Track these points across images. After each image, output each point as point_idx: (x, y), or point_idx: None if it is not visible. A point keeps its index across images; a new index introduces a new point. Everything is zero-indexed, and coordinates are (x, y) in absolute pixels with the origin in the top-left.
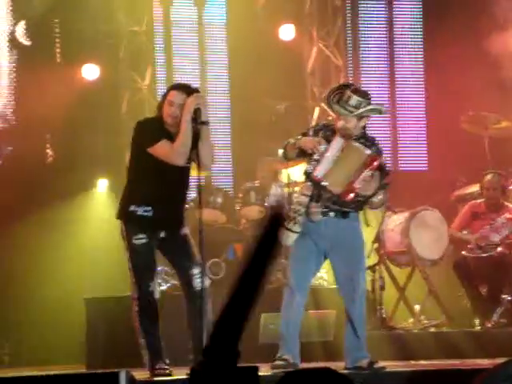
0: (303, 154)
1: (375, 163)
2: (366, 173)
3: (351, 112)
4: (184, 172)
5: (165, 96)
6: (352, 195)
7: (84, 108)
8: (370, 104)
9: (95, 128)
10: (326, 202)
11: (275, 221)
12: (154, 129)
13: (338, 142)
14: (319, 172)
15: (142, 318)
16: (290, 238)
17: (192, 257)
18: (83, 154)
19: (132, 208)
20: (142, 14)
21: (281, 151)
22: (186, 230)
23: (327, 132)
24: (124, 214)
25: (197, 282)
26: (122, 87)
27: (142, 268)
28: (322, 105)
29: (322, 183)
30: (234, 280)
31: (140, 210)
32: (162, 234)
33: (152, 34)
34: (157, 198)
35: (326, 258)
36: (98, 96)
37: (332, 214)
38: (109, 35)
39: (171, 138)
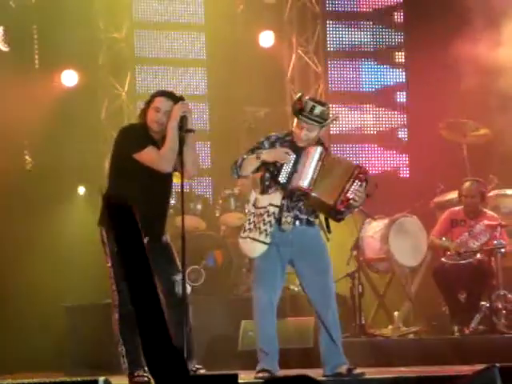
0: (260, 167)
1: (365, 174)
2: (357, 183)
3: (319, 122)
4: (167, 179)
5: (149, 102)
6: (345, 205)
7: (62, 114)
8: (329, 113)
9: (74, 134)
10: (296, 211)
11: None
12: (139, 135)
13: (316, 152)
14: (304, 182)
15: (121, 325)
16: (259, 250)
17: (173, 263)
18: (62, 160)
19: None
20: (121, 21)
21: (234, 169)
22: (167, 237)
23: (284, 143)
24: (107, 221)
25: (179, 289)
26: (101, 94)
27: (123, 275)
28: None
29: (313, 194)
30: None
31: None
32: (144, 241)
33: (132, 41)
34: (140, 203)
35: (290, 265)
36: (77, 102)
37: (298, 222)
38: (88, 41)
39: (156, 144)
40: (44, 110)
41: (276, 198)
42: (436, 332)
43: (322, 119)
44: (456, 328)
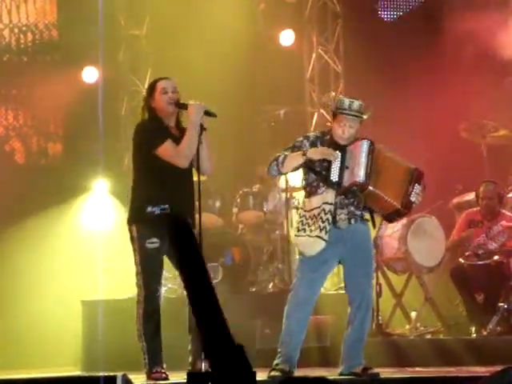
0: (301, 166)
1: (423, 177)
2: (417, 187)
3: (358, 117)
4: (189, 175)
5: (151, 93)
6: (408, 208)
7: (82, 110)
8: (364, 106)
9: (94, 131)
10: (350, 208)
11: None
12: (155, 130)
13: (364, 145)
14: (360, 177)
15: (145, 321)
16: (318, 247)
17: None
18: (82, 156)
19: (149, 209)
20: (142, 18)
21: (274, 166)
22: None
23: (324, 142)
24: (139, 216)
25: None
26: (121, 90)
27: (151, 272)
28: (322, 111)
29: (370, 188)
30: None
31: (157, 210)
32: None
33: (152, 38)
34: (171, 196)
35: (338, 263)
36: (97, 99)
37: (353, 220)
38: (108, 38)
39: (172, 135)
40: (65, 106)
41: (329, 196)
42: (453, 333)
43: (362, 113)
44: (473, 329)
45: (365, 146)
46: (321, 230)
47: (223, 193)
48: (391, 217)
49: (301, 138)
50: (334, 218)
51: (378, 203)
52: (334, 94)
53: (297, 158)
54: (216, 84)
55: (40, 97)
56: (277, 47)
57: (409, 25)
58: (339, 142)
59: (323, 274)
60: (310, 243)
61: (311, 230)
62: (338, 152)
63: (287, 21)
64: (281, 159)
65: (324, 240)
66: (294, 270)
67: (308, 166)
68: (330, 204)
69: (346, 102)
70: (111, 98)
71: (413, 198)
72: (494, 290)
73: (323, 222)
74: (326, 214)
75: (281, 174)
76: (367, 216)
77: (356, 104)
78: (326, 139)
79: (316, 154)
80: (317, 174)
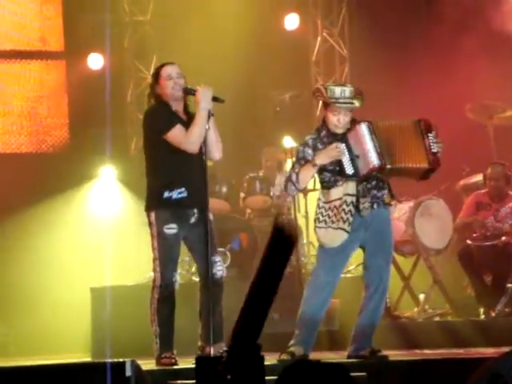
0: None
1: (429, 123)
2: (430, 135)
3: (351, 104)
4: (200, 159)
5: (157, 79)
6: (437, 162)
7: (88, 97)
8: (354, 90)
9: (100, 117)
10: (373, 191)
11: (284, 240)
12: (164, 115)
13: (363, 128)
14: (374, 161)
15: (160, 306)
16: (340, 239)
17: (213, 245)
18: (89, 143)
19: (166, 194)
20: (146, 4)
21: (291, 186)
22: (210, 216)
23: (323, 139)
24: (158, 202)
25: (217, 270)
26: (126, 77)
27: (168, 258)
28: None
29: (388, 166)
30: (251, 282)
31: (175, 194)
32: (193, 220)
33: (157, 24)
34: (186, 180)
35: (359, 247)
36: (103, 85)
37: (375, 205)
38: (113, 25)
39: (181, 120)
40: (71, 93)
41: (350, 187)
42: (462, 314)
43: (353, 99)
44: (482, 310)
45: (364, 129)
46: (344, 221)
47: (230, 178)
48: (425, 177)
49: (301, 148)
50: (357, 207)
51: (406, 173)
52: (321, 84)
53: (309, 171)
54: (221, 69)
55: (46, 84)
56: (282, 31)
57: (412, 7)
58: (336, 132)
59: (343, 260)
60: (332, 235)
61: (333, 222)
62: (342, 144)
63: (292, 4)
64: (294, 178)
65: (347, 232)
66: (301, 254)
67: (320, 168)
68: (352, 195)
69: (338, 90)
70: (117, 84)
71: (435, 149)
72: (502, 271)
73: (346, 213)
74: (348, 205)
75: (300, 190)
76: (388, 198)
77: (348, 91)
78: (323, 135)
79: (324, 159)
80: (331, 172)
